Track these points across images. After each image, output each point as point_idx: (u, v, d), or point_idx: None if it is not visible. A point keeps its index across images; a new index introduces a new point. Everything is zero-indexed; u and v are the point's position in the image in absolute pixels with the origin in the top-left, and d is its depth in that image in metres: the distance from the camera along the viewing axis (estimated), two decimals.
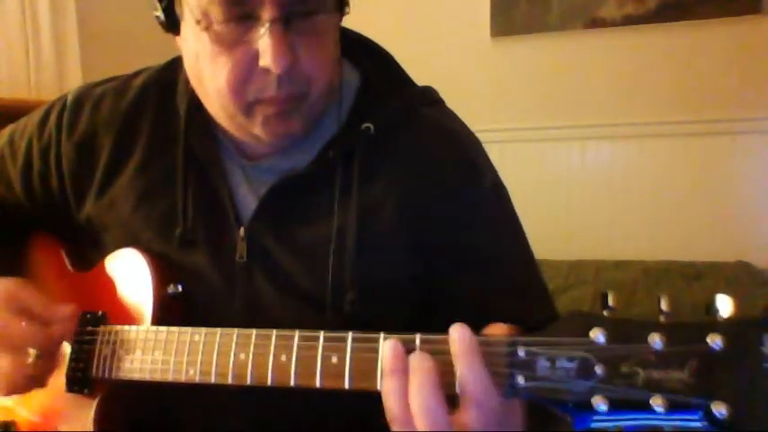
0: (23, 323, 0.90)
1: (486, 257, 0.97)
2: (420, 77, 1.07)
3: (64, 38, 2.56)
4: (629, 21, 2.73)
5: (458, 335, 0.67)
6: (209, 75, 0.88)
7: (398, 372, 0.68)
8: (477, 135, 1.05)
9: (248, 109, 0.89)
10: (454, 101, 1.08)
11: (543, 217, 2.67)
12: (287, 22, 0.82)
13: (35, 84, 2.50)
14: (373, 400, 0.71)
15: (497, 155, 1.08)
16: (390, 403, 0.68)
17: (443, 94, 1.08)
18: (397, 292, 0.95)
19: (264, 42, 0.83)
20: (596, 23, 2.77)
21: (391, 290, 0.94)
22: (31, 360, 0.90)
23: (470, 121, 1.06)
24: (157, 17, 0.91)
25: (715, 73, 2.67)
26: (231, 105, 0.89)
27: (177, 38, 0.93)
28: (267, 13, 0.81)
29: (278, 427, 0.95)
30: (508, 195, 1.03)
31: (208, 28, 0.84)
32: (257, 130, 0.91)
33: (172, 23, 0.90)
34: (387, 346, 0.70)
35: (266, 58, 0.83)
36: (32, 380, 0.93)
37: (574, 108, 2.84)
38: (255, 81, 0.86)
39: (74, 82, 2.55)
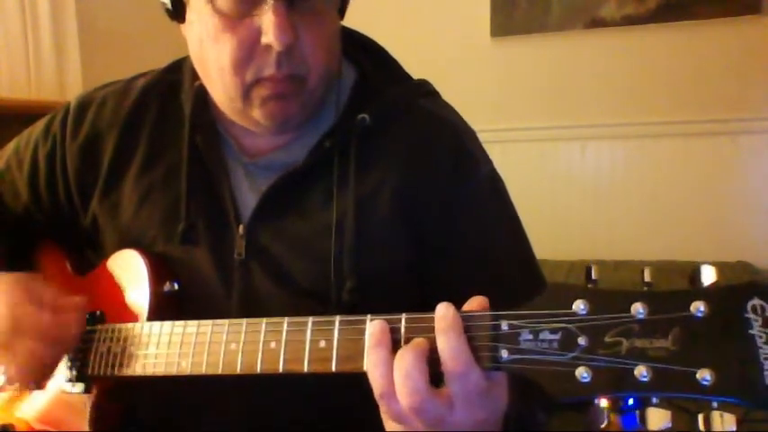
0: (40, 312, 0.91)
1: (483, 246, 0.97)
2: (420, 77, 1.07)
3: (64, 38, 2.57)
4: (629, 21, 2.73)
5: (441, 312, 0.68)
6: (213, 56, 0.90)
7: (383, 345, 0.69)
8: (478, 135, 1.05)
9: (247, 91, 0.89)
10: (454, 101, 1.07)
11: (543, 217, 2.67)
12: (290, 1, 0.84)
13: (35, 84, 2.51)
14: (371, 402, 0.71)
15: (498, 155, 1.08)
16: (375, 375, 0.69)
17: (444, 95, 1.08)
18: (395, 280, 0.95)
19: (268, 19, 0.84)
20: (596, 23, 2.77)
21: (389, 278, 0.94)
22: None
23: (470, 121, 1.06)
24: (163, 4, 0.93)
25: (715, 73, 2.66)
26: (232, 86, 0.90)
27: (182, 26, 0.94)
28: None
29: (275, 426, 0.95)
30: (504, 185, 1.03)
31: (213, 3, 0.86)
32: (255, 112, 0.91)
33: (177, 10, 0.92)
34: (373, 324, 0.71)
35: (269, 35, 0.84)
36: (48, 368, 0.94)
37: (574, 108, 2.84)
38: (256, 59, 0.87)
39: (74, 82, 2.56)
